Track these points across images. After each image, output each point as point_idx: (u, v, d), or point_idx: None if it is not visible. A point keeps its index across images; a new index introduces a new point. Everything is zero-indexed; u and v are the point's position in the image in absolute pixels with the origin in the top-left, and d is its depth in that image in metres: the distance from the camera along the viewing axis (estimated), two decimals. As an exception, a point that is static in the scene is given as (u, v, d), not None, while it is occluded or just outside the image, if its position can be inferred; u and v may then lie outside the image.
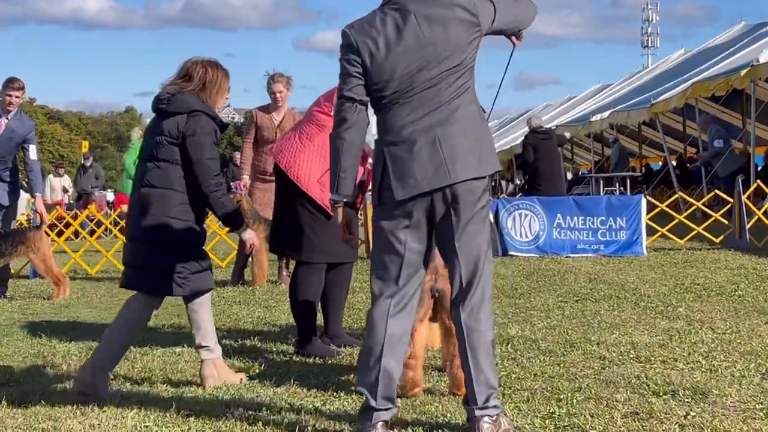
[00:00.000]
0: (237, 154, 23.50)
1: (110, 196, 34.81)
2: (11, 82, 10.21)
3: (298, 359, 6.26)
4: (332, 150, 4.42)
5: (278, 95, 10.68)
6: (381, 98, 4.35)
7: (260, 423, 4.66)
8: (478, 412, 4.25)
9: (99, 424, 4.72)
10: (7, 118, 10.20)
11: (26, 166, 10.60)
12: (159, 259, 5.43)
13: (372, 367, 4.32)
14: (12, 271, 12.63)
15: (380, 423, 4.28)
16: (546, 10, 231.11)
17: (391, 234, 4.34)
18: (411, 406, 4.91)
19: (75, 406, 5.09)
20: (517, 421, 4.55)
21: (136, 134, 15.90)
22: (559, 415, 4.66)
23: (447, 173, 4.23)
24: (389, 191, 4.29)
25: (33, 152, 10.49)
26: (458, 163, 4.24)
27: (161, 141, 5.47)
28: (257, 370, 5.91)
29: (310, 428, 4.55)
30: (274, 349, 6.64)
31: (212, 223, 19.06)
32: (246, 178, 10.85)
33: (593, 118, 25.64)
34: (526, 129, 17.25)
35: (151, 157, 5.51)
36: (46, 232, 10.69)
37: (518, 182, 28.49)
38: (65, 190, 26.26)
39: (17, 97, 10.21)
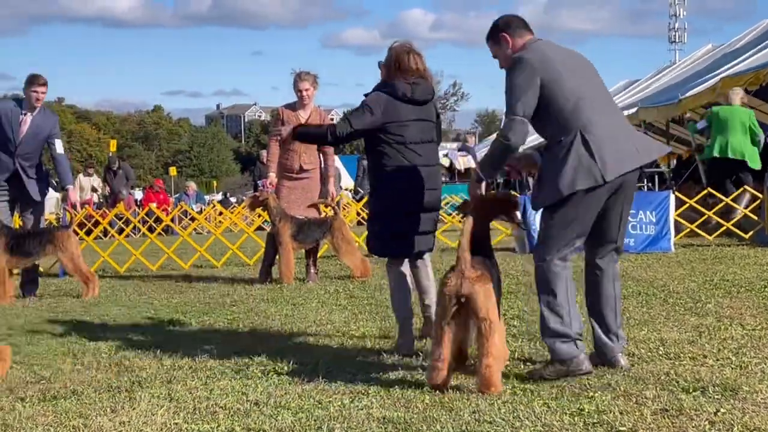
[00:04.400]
0: (264, 153, 23.56)
1: (138, 194, 35.06)
2: (35, 79, 10.32)
3: (326, 356, 6.26)
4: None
5: (305, 93, 10.70)
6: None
7: (288, 420, 4.68)
8: (618, 345, 5.66)
9: (129, 421, 4.75)
10: (32, 114, 10.30)
11: (54, 161, 10.68)
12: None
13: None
14: (41, 270, 12.74)
15: None
16: (574, 4, 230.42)
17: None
18: (440, 404, 4.91)
19: (105, 404, 5.13)
20: (545, 418, 4.54)
21: None
22: (588, 411, 4.64)
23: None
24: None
25: (59, 146, 10.60)
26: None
27: (433, 125, 6.57)
28: (286, 368, 5.92)
29: (338, 426, 4.56)
30: (303, 347, 6.65)
31: (240, 221, 19.18)
32: (273, 176, 10.88)
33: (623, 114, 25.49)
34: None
35: (431, 139, 6.52)
36: (74, 231, 10.74)
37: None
38: (94, 189, 26.42)
39: (42, 93, 10.34)
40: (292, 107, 10.87)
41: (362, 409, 4.84)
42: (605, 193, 5.43)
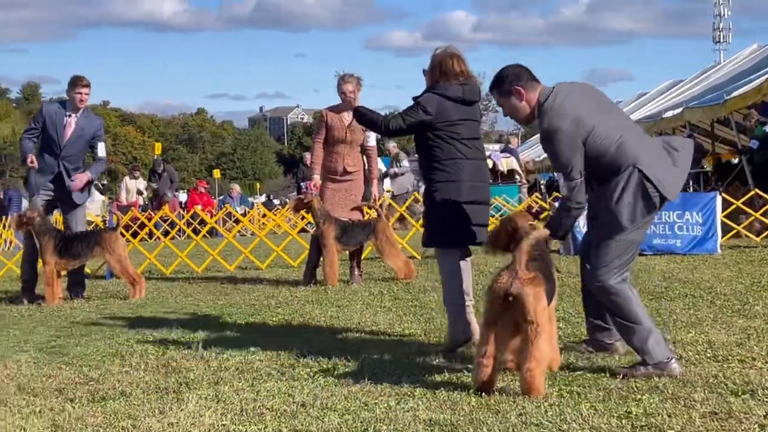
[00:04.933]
0: (307, 155, 23.64)
1: (182, 197, 35.29)
2: (78, 81, 10.43)
3: (372, 358, 6.28)
4: None
5: (349, 95, 10.71)
6: None
7: (335, 422, 4.69)
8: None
9: (177, 423, 4.79)
10: (76, 116, 10.42)
11: (94, 163, 10.76)
12: None
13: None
14: (88, 271, 12.87)
15: None
16: (616, 5, 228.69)
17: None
18: (486, 406, 4.90)
19: (153, 405, 5.17)
20: (593, 421, 4.52)
21: None
22: (636, 414, 4.62)
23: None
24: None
25: (102, 150, 10.70)
26: None
27: (479, 125, 6.89)
28: (331, 370, 5.94)
29: (384, 428, 4.57)
30: (348, 348, 6.66)
31: (284, 223, 19.26)
32: (317, 178, 10.91)
33: (666, 115, 25.29)
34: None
35: (479, 137, 6.81)
36: (121, 233, 10.84)
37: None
38: (140, 192, 26.64)
39: (86, 94, 10.45)
40: (336, 109, 10.90)
41: (408, 411, 4.85)
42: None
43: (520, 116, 5.96)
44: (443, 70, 6.70)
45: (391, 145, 25.00)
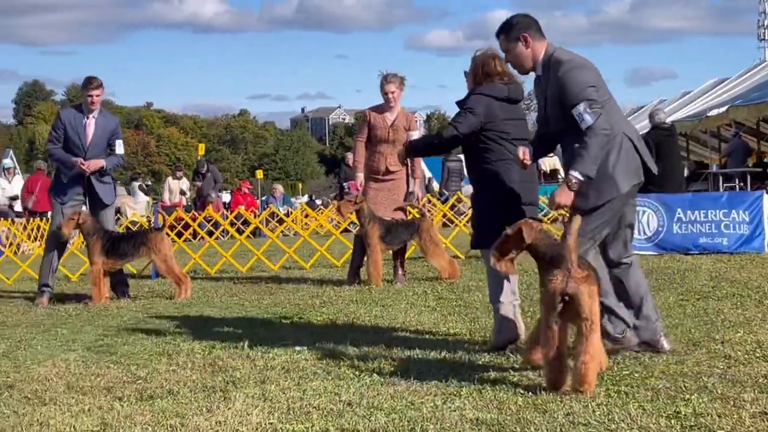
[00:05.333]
0: (349, 155, 23.68)
1: (226, 197, 35.49)
2: (89, 83, 10.50)
3: (417, 357, 6.27)
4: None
5: (391, 95, 10.75)
6: None
7: (382, 421, 4.69)
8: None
9: (225, 421, 4.81)
10: (94, 117, 10.53)
11: (111, 156, 10.75)
12: None
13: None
14: (134, 271, 13.00)
15: None
16: (660, 3, 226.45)
17: None
18: (533, 405, 4.88)
19: (201, 403, 5.21)
20: (641, 421, 4.49)
21: None
22: (685, 414, 4.58)
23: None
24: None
25: (120, 147, 10.78)
26: None
27: (525, 123, 6.80)
28: (377, 369, 5.94)
29: (431, 427, 4.57)
30: (393, 348, 6.66)
31: (326, 222, 19.30)
32: (361, 176, 10.94)
33: (710, 114, 25.06)
34: (640, 125, 16.88)
35: (526, 137, 6.67)
36: (166, 233, 10.92)
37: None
38: (183, 193, 26.81)
39: (98, 95, 10.51)
40: (378, 109, 10.92)
41: (455, 411, 4.84)
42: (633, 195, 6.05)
43: (522, 63, 6.13)
44: (486, 71, 6.72)
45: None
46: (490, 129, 6.61)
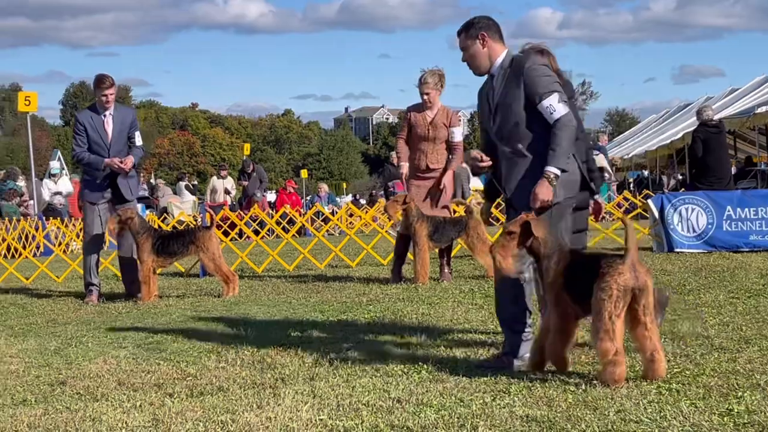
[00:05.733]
0: (393, 155, 23.69)
1: (271, 197, 35.64)
2: (102, 82, 10.59)
3: (465, 354, 6.26)
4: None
5: (426, 96, 10.79)
6: None
7: (432, 417, 4.69)
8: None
9: (275, 417, 4.84)
10: (110, 113, 10.66)
11: (131, 151, 10.85)
12: None
13: None
14: (181, 269, 13.10)
15: None
16: (708, 0, 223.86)
17: None
18: (583, 402, 4.85)
19: (251, 400, 5.23)
20: (694, 418, 4.45)
21: None
22: (738, 412, 4.53)
23: None
24: None
25: (138, 138, 10.93)
26: None
27: (580, 122, 6.24)
28: (426, 366, 5.93)
29: (481, 424, 4.55)
30: (441, 345, 6.66)
31: (372, 222, 19.31)
32: (405, 165, 10.95)
33: (759, 110, 24.77)
34: (687, 123, 16.72)
35: (581, 136, 6.21)
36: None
37: (680, 177, 27.82)
38: (227, 192, 26.96)
39: (111, 94, 10.62)
40: (418, 108, 10.92)
41: (504, 408, 4.83)
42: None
43: (478, 62, 6.16)
44: None
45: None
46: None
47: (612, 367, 5.16)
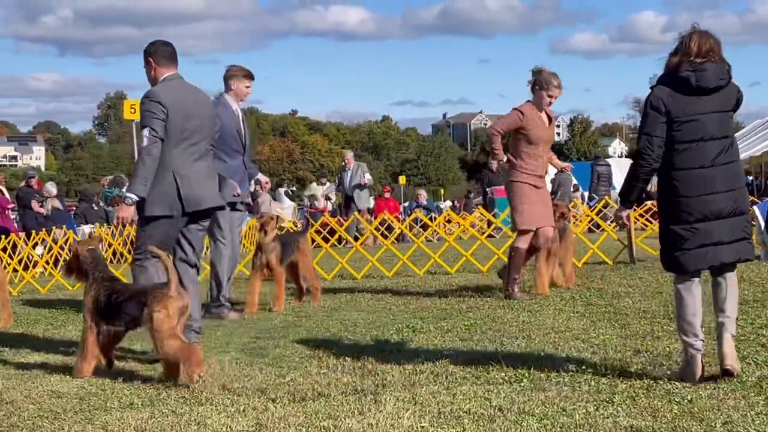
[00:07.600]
0: (492, 162, 23.62)
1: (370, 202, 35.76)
2: (246, 74, 10.10)
3: (567, 363, 6.20)
4: None
5: (552, 100, 10.05)
6: None
7: (534, 426, 4.67)
8: None
9: (377, 424, 4.86)
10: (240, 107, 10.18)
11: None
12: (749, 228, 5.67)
13: None
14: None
15: None
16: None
17: None
18: (689, 413, 4.77)
19: (352, 406, 5.27)
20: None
21: None
22: None
23: None
24: None
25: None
26: None
27: (730, 116, 5.63)
28: (527, 374, 5.90)
29: (584, 433, 4.52)
30: (542, 353, 6.61)
31: (471, 228, 19.27)
32: (501, 154, 10.69)
33: None
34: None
35: (727, 134, 5.56)
36: (312, 237, 11.06)
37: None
38: (327, 198, 27.16)
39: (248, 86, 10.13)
40: (535, 107, 10.11)
41: (608, 417, 4.78)
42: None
43: (150, 78, 7.31)
44: (682, 50, 5.66)
45: (350, 155, 24.46)
46: (675, 129, 5.57)
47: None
